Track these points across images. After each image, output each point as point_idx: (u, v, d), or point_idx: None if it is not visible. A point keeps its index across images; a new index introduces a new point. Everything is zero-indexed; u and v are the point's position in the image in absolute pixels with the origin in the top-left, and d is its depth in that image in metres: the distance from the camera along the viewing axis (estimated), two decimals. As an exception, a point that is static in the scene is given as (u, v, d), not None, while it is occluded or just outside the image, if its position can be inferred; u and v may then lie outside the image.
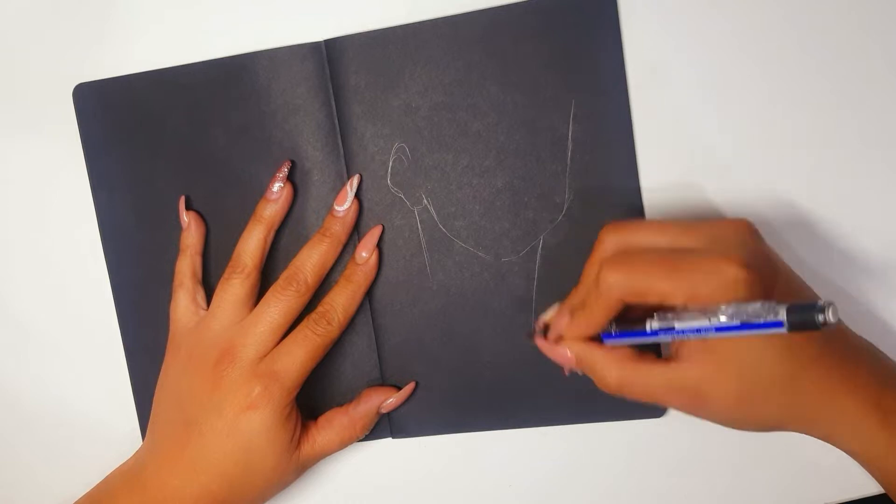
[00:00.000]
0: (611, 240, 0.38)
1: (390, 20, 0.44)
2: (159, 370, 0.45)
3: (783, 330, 0.31)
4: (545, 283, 0.44)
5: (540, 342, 0.40)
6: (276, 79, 0.45)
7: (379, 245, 0.45)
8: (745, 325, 0.32)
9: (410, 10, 0.44)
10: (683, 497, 0.44)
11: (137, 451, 0.45)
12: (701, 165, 0.43)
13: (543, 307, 0.42)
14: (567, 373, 0.39)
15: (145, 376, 0.47)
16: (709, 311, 0.33)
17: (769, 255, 0.37)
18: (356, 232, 0.45)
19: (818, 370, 0.36)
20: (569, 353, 0.39)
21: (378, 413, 0.45)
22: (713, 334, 0.33)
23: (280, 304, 0.42)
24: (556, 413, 0.45)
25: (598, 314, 0.37)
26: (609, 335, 0.38)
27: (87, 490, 0.44)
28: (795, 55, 0.42)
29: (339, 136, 0.45)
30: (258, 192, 0.45)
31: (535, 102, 0.43)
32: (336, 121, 0.45)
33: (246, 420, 0.41)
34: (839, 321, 0.36)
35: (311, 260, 0.43)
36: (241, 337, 0.42)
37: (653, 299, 0.35)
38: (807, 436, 0.37)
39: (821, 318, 0.30)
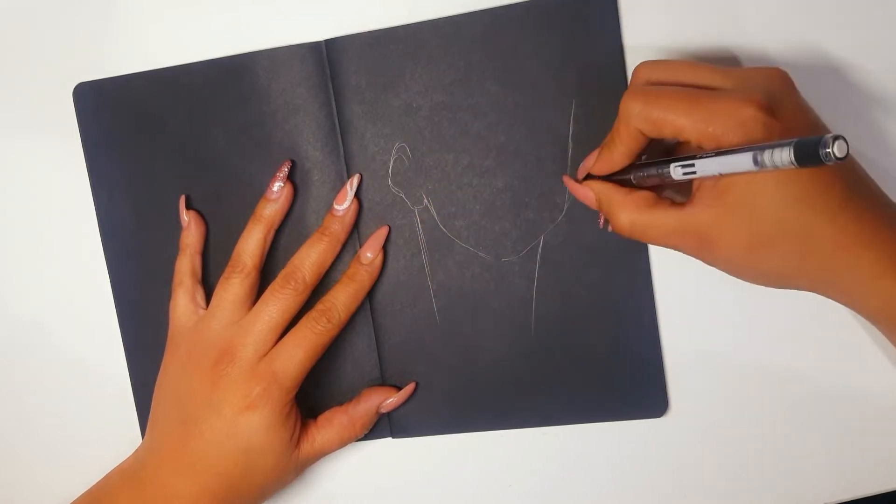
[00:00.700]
0: (643, 73, 0.38)
1: (390, 20, 0.44)
2: (159, 369, 0.45)
3: (791, 164, 0.30)
4: (545, 283, 0.44)
5: (566, 179, 0.41)
6: (276, 79, 0.45)
7: (384, 246, 0.45)
8: (756, 163, 0.31)
9: (410, 10, 0.44)
10: (683, 497, 0.44)
11: (137, 450, 0.45)
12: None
13: (543, 307, 0.42)
14: (593, 207, 0.40)
15: (145, 375, 0.47)
16: (722, 150, 0.33)
17: (800, 106, 0.36)
18: (356, 231, 0.45)
19: (834, 222, 0.34)
20: (590, 193, 0.40)
21: (378, 413, 0.45)
22: (728, 168, 0.32)
23: (278, 302, 0.42)
24: (556, 413, 0.45)
25: (618, 145, 0.37)
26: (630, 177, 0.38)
27: (87, 489, 0.44)
28: (803, 55, 0.42)
29: (339, 136, 0.45)
30: (258, 192, 0.45)
31: (536, 102, 0.43)
32: (336, 121, 0.45)
33: (245, 420, 0.41)
34: (856, 164, 0.35)
35: (309, 259, 0.43)
36: (240, 336, 0.42)
37: (669, 132, 0.35)
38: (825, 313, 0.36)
39: (826, 151, 0.28)
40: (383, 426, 0.46)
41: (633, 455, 0.45)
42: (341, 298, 0.43)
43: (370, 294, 0.45)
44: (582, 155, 0.43)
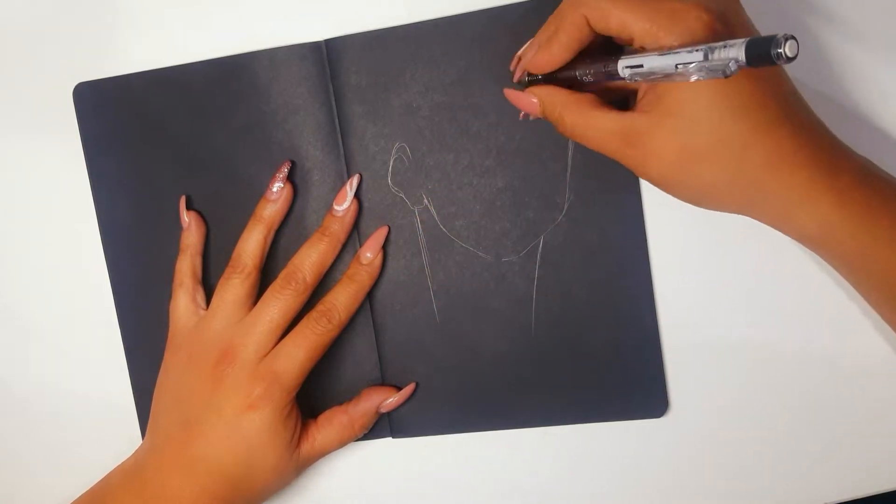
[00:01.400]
0: None
1: (390, 20, 0.44)
2: (159, 370, 0.45)
3: (738, 65, 0.29)
4: (545, 283, 0.44)
5: (507, 92, 0.40)
6: (276, 79, 0.45)
7: (384, 246, 0.45)
8: (707, 59, 0.30)
9: (411, 10, 0.44)
10: (684, 497, 0.44)
11: (137, 451, 0.45)
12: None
13: (543, 307, 0.42)
14: (526, 118, 0.39)
15: (145, 376, 0.47)
16: (666, 51, 0.32)
17: (747, 24, 0.35)
18: (356, 231, 0.45)
19: (769, 138, 0.34)
20: (534, 99, 0.38)
21: (378, 412, 0.45)
22: (674, 65, 0.31)
23: (279, 303, 0.42)
24: (556, 413, 0.45)
25: (560, 35, 0.36)
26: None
27: (87, 489, 0.44)
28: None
29: (339, 136, 0.45)
30: (258, 192, 0.45)
31: (536, 102, 0.43)
32: (336, 121, 0.45)
33: (246, 420, 0.41)
34: (794, 87, 0.35)
35: (309, 259, 0.43)
36: (240, 337, 0.42)
37: (615, 24, 0.34)
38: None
39: (777, 51, 0.28)
40: (383, 426, 0.46)
41: (633, 455, 0.45)
42: (341, 299, 0.43)
43: (370, 294, 0.45)
44: (582, 155, 0.43)
